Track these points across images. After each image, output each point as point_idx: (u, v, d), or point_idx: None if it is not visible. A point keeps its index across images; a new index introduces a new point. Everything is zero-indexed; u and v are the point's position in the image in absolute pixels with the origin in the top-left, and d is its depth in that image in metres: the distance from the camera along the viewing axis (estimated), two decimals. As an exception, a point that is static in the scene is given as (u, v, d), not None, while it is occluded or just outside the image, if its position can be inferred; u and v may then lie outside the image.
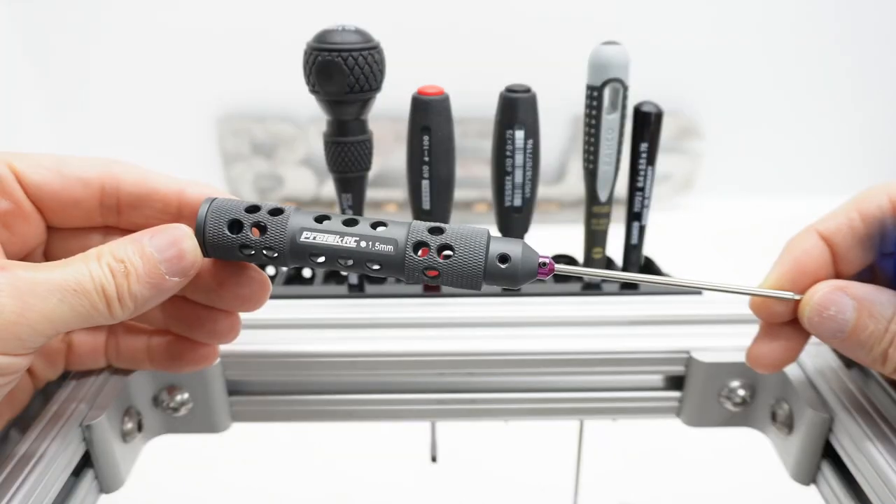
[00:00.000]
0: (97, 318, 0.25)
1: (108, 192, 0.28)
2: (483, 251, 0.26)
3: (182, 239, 0.26)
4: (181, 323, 0.32)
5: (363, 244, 0.27)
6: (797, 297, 0.29)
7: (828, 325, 0.27)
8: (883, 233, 0.28)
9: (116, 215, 0.29)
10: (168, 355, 0.32)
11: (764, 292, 0.29)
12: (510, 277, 0.27)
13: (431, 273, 0.27)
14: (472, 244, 0.27)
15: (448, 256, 0.26)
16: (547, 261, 0.27)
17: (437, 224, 0.27)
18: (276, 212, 0.27)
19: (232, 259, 0.27)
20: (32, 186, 0.27)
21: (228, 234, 0.27)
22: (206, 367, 0.33)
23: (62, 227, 0.29)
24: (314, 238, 0.27)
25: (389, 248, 0.27)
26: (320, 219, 0.27)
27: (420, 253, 0.27)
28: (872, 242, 0.28)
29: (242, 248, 0.27)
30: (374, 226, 0.27)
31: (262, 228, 0.27)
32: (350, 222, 0.27)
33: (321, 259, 0.27)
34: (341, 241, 0.27)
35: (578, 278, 0.44)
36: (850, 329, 0.27)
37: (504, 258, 0.27)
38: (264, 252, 0.27)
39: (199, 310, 0.31)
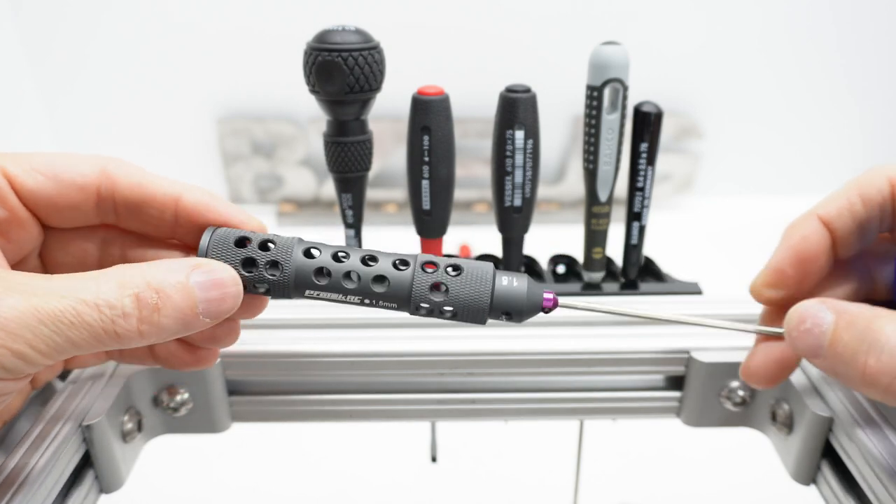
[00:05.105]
0: (100, 346, 0.23)
1: (105, 195, 0.28)
2: (489, 285, 0.26)
3: (228, 283, 0.25)
4: None
5: (370, 265, 0.26)
6: (782, 331, 0.28)
7: (806, 340, 0.26)
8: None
9: (114, 216, 0.29)
10: (169, 354, 0.32)
11: (751, 328, 0.28)
12: (516, 312, 0.26)
13: (438, 297, 0.26)
14: (477, 277, 0.26)
15: (454, 283, 0.26)
16: (551, 296, 0.27)
17: (439, 257, 0.27)
18: (278, 241, 0.27)
19: None
20: (27, 193, 0.26)
21: (233, 265, 0.26)
22: (206, 367, 0.32)
23: (59, 228, 0.29)
24: (320, 255, 0.26)
25: (398, 270, 0.26)
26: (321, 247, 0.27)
27: (427, 277, 0.26)
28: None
29: (246, 266, 0.26)
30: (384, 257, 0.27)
31: (272, 264, 0.26)
32: (356, 249, 0.27)
33: (325, 280, 0.26)
34: (349, 258, 0.26)
35: (578, 277, 0.44)
36: (828, 341, 0.25)
37: (509, 293, 0.26)
38: (269, 275, 0.26)
39: None
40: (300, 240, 0.27)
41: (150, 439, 0.37)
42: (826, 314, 0.25)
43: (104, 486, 0.34)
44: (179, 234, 0.29)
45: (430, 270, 0.26)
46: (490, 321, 0.27)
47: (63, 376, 0.35)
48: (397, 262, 0.26)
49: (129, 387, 0.35)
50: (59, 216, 0.28)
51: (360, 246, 0.41)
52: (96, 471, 0.33)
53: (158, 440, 0.38)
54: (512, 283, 0.26)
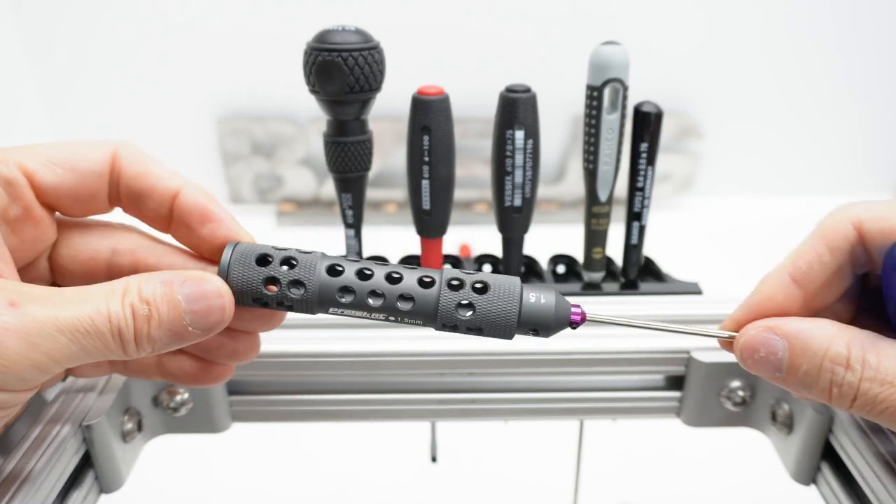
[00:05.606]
0: (109, 355, 0.24)
1: (113, 181, 0.28)
2: (517, 303, 0.26)
3: (212, 295, 0.25)
4: (199, 346, 0.30)
5: (395, 283, 0.26)
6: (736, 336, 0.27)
7: (762, 367, 0.25)
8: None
9: (120, 202, 0.28)
10: (182, 372, 0.31)
11: (706, 332, 0.28)
12: (543, 328, 0.26)
13: (465, 314, 0.26)
14: (504, 295, 0.26)
15: (481, 300, 0.25)
16: (580, 310, 0.26)
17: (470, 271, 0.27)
18: (303, 254, 0.26)
19: (254, 305, 0.26)
20: (48, 187, 0.26)
21: (255, 283, 0.26)
22: (222, 382, 0.32)
23: (75, 218, 0.29)
24: (345, 270, 0.25)
25: (424, 288, 0.25)
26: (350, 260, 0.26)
27: (454, 294, 0.25)
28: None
29: (268, 284, 0.26)
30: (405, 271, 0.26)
31: (295, 282, 0.26)
32: (381, 265, 0.26)
33: (350, 298, 0.26)
34: (373, 275, 0.26)
35: (578, 277, 0.44)
36: (786, 368, 0.25)
37: (537, 310, 0.26)
38: (292, 293, 0.26)
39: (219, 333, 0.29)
40: (323, 255, 0.26)
41: (150, 439, 0.37)
42: (777, 341, 0.25)
43: (104, 486, 0.34)
44: (175, 231, 0.28)
45: (455, 286, 0.26)
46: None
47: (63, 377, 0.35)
48: (423, 278, 0.26)
49: (128, 387, 0.35)
50: (79, 206, 0.28)
51: (359, 246, 0.41)
52: (96, 471, 0.33)
53: (158, 440, 0.38)
54: (539, 301, 0.26)
